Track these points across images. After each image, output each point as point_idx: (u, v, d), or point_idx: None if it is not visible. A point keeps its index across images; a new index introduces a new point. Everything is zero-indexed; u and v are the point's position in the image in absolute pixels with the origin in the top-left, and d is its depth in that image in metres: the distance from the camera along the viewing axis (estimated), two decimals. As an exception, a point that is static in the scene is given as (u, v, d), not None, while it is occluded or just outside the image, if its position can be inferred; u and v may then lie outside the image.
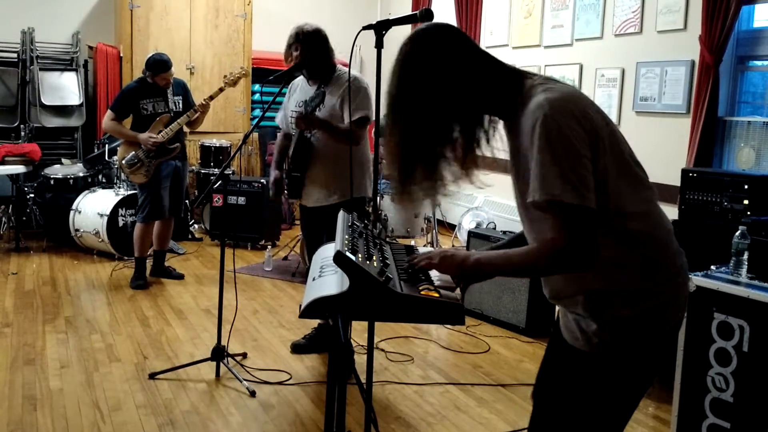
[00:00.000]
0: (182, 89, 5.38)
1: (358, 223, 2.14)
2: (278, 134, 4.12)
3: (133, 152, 5.16)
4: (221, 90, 5.16)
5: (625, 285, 1.66)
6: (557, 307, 1.86)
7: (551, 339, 1.99)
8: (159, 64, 5.13)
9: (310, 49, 3.69)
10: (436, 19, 2.05)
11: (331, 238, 2.18)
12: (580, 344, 1.73)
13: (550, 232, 1.57)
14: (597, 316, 1.68)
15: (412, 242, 4.82)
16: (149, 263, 5.49)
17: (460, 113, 1.71)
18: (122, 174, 6.06)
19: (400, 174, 1.75)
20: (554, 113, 1.57)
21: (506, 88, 1.72)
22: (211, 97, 5.20)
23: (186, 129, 5.38)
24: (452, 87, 1.68)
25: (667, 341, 1.76)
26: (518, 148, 1.70)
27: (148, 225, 5.30)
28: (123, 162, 5.21)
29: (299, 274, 5.68)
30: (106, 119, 5.22)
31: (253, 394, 3.46)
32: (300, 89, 3.91)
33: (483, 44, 7.08)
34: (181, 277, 5.53)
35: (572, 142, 1.56)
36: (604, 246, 1.59)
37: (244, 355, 3.96)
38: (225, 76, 5.14)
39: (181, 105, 5.30)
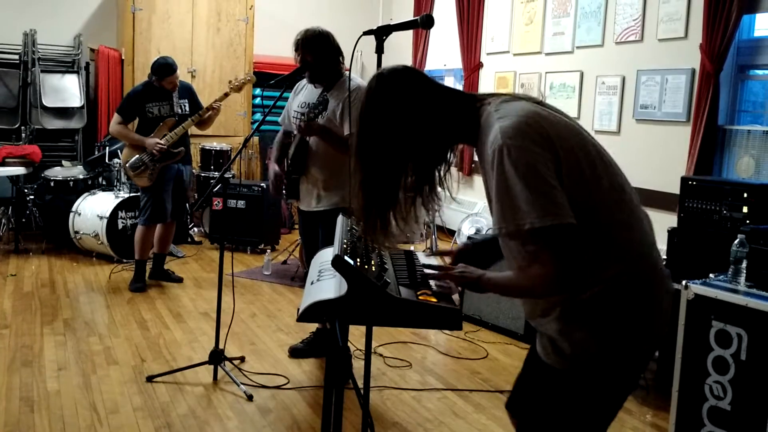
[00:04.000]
0: (188, 93, 5.38)
1: (356, 228, 2.14)
2: (279, 131, 4.10)
3: (137, 156, 5.16)
4: (226, 95, 5.17)
5: (597, 300, 1.64)
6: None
7: (530, 352, 2.00)
8: (164, 68, 5.14)
9: (312, 52, 3.67)
10: (437, 25, 2.06)
11: (328, 243, 2.18)
12: (552, 361, 1.74)
13: (534, 260, 1.58)
14: (569, 336, 1.68)
15: (412, 248, 4.81)
16: (149, 266, 5.48)
17: (421, 152, 1.74)
18: (122, 176, 6.07)
19: (365, 213, 1.77)
20: (508, 141, 1.57)
21: (465, 118, 1.75)
22: (217, 101, 5.21)
23: (195, 130, 5.38)
24: (414, 126, 1.72)
25: (642, 358, 1.75)
26: (487, 176, 1.71)
27: (150, 228, 5.30)
28: (127, 165, 5.20)
29: (298, 278, 5.68)
30: (113, 123, 5.24)
31: (250, 398, 3.46)
32: (304, 90, 3.88)
33: (484, 51, 7.10)
34: (179, 280, 5.53)
35: (532, 165, 1.55)
36: (578, 260, 1.59)
37: (242, 359, 3.95)
38: (230, 81, 5.15)
39: (187, 108, 5.30)
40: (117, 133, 5.28)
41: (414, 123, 1.72)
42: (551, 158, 1.58)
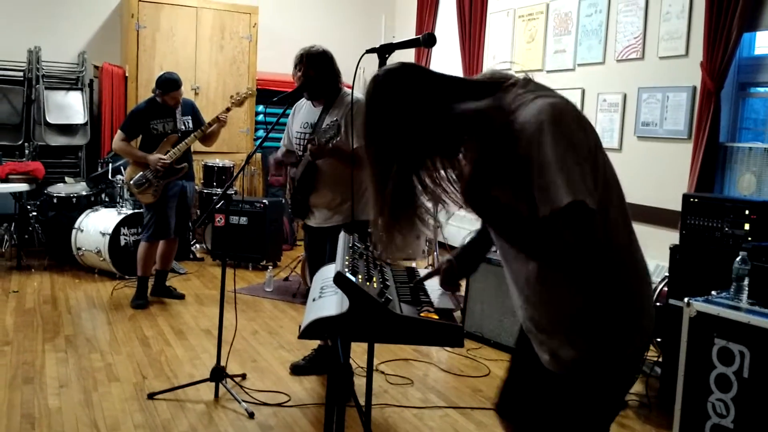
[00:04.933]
0: (191, 109, 5.41)
1: (359, 245, 2.15)
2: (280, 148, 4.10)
3: (141, 173, 5.18)
4: (228, 110, 5.20)
5: (601, 308, 1.65)
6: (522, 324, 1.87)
7: (516, 357, 2.01)
8: (169, 83, 5.17)
9: (313, 70, 3.70)
10: (439, 43, 2.06)
11: (333, 259, 2.19)
12: (554, 367, 1.74)
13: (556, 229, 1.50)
14: (573, 341, 1.69)
15: (413, 264, 4.81)
16: (151, 283, 5.48)
17: (435, 150, 1.63)
18: (125, 193, 6.08)
19: (384, 218, 1.65)
20: (559, 117, 1.53)
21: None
22: (223, 114, 5.22)
23: (198, 146, 5.39)
24: (423, 125, 1.60)
25: (638, 356, 1.77)
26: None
27: (153, 244, 5.30)
28: (131, 182, 5.22)
29: (300, 295, 5.68)
30: (116, 140, 5.25)
31: (251, 415, 3.44)
32: (304, 110, 3.91)
33: (485, 69, 7.11)
34: (181, 297, 5.53)
35: (581, 145, 1.53)
36: (586, 270, 1.61)
37: (244, 376, 3.94)
38: (232, 96, 5.18)
39: (190, 125, 5.32)
40: (120, 150, 5.30)
41: (423, 122, 1.60)
42: (589, 147, 1.55)
